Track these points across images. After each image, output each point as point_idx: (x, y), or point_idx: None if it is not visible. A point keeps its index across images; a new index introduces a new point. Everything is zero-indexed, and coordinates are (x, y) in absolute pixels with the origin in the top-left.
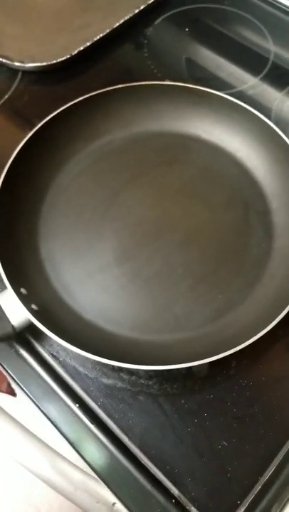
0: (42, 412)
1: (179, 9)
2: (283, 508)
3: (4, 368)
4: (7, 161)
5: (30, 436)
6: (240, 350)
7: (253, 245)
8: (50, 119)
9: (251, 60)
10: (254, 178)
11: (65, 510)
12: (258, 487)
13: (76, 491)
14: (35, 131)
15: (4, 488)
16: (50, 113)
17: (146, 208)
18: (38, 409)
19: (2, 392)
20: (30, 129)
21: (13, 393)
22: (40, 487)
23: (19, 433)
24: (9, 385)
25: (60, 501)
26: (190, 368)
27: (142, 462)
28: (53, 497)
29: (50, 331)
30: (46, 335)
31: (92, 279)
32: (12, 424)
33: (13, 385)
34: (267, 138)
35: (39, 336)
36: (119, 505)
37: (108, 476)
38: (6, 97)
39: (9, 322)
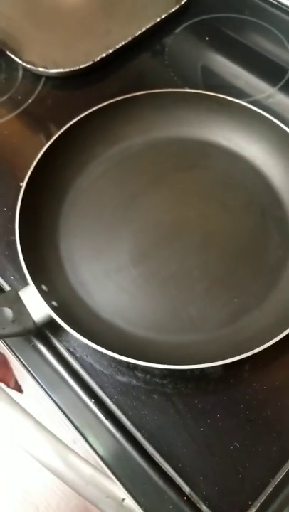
0: (57, 406)
1: (199, 18)
2: None
3: (22, 363)
4: (31, 163)
5: (44, 430)
6: (254, 354)
7: (270, 251)
8: (72, 124)
9: (270, 70)
10: (271, 184)
11: (63, 508)
12: (269, 489)
13: (87, 485)
14: (58, 135)
15: (3, 486)
16: (72, 117)
17: (164, 210)
18: (53, 403)
19: (10, 388)
20: (53, 133)
21: (20, 390)
22: (39, 486)
23: (33, 427)
24: (16, 381)
25: (58, 500)
26: (204, 368)
27: (155, 459)
28: (51, 495)
29: (70, 326)
30: (64, 331)
31: (110, 279)
32: (26, 417)
33: (20, 381)
34: (285, 146)
35: (57, 331)
36: (128, 501)
37: (121, 472)
38: (30, 101)
39: (31, 317)
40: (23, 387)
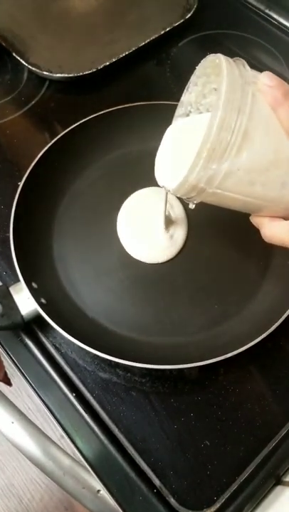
0: (40, 399)
1: (203, 33)
2: (255, 508)
3: (9, 355)
4: (30, 163)
5: (27, 421)
6: (229, 358)
7: (252, 262)
8: (72, 129)
9: None
10: None
11: (47, 501)
12: (234, 486)
13: (64, 476)
14: (58, 138)
15: None
16: (74, 121)
17: None
18: (37, 396)
19: None
20: (54, 135)
21: (8, 383)
22: (23, 478)
23: (16, 417)
24: (6, 374)
25: (42, 493)
26: (181, 370)
27: (129, 453)
28: (35, 488)
29: (56, 324)
30: (51, 327)
31: (98, 280)
32: (10, 407)
33: (10, 373)
34: None
35: (44, 328)
36: (103, 493)
37: (96, 463)
38: (33, 102)
39: (19, 312)
40: (15, 382)
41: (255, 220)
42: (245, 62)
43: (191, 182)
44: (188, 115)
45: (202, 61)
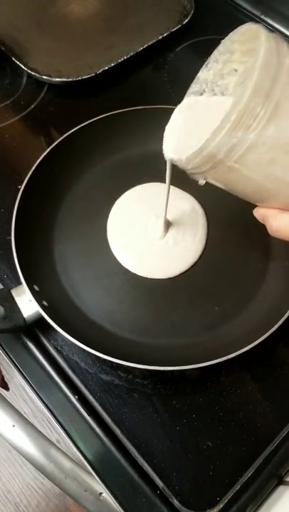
0: (42, 401)
1: (200, 38)
2: (258, 508)
3: (11, 358)
4: (31, 167)
5: (27, 424)
6: (230, 360)
7: (251, 263)
8: (72, 133)
9: None
10: None
11: (43, 508)
12: (236, 487)
13: (66, 479)
14: (58, 143)
15: None
16: (73, 125)
17: None
18: (38, 399)
19: None
20: (54, 139)
21: (6, 387)
22: (20, 485)
23: (17, 419)
24: (3, 379)
25: (39, 499)
26: (183, 371)
27: (132, 454)
28: (32, 495)
29: (58, 326)
30: (52, 330)
31: (99, 283)
32: (11, 410)
33: (7, 378)
34: None
35: (46, 330)
36: (105, 495)
37: (99, 466)
38: (32, 106)
39: (21, 315)
40: (10, 387)
41: (260, 212)
42: (282, 39)
43: (210, 150)
44: (201, 94)
45: (230, 34)
